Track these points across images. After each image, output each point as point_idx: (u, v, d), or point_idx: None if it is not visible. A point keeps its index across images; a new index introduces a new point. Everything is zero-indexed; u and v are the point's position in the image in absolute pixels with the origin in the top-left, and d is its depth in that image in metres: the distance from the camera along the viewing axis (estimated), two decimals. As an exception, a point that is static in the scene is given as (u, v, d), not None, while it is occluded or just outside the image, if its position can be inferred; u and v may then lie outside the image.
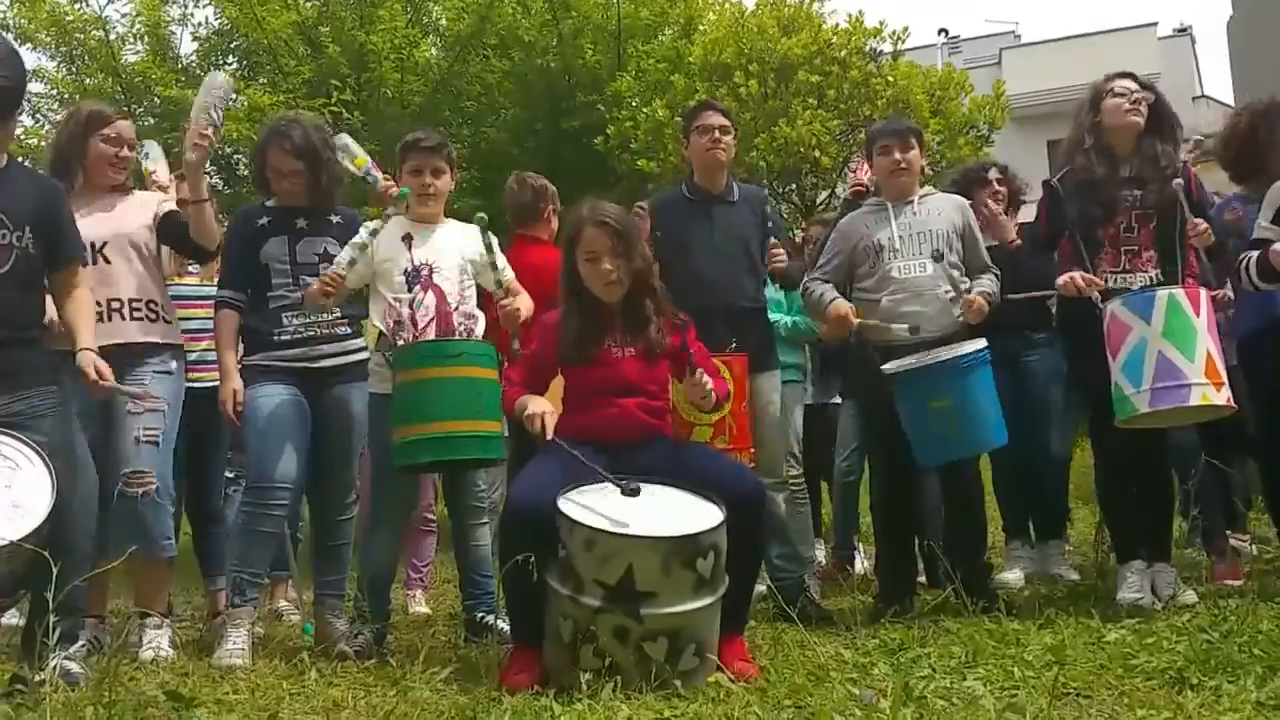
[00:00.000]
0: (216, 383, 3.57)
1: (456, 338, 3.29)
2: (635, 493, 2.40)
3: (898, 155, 3.67)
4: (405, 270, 3.32)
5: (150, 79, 7.89)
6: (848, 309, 3.54)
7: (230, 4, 8.07)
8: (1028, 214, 4.05)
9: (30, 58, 8.39)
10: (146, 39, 8.55)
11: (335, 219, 3.60)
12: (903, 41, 8.16)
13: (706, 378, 2.76)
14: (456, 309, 3.35)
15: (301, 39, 8.20)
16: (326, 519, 3.60)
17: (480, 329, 3.40)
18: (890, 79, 7.67)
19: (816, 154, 7.36)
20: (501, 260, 3.50)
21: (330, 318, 3.49)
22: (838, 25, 8.09)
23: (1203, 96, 19.44)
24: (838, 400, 4.98)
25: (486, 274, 3.48)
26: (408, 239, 3.40)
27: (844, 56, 7.70)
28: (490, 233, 3.27)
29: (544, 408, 2.66)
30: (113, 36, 8.32)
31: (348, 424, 3.48)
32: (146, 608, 3.30)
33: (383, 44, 7.60)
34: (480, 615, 3.45)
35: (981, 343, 3.38)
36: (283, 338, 3.44)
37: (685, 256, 3.62)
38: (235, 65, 8.81)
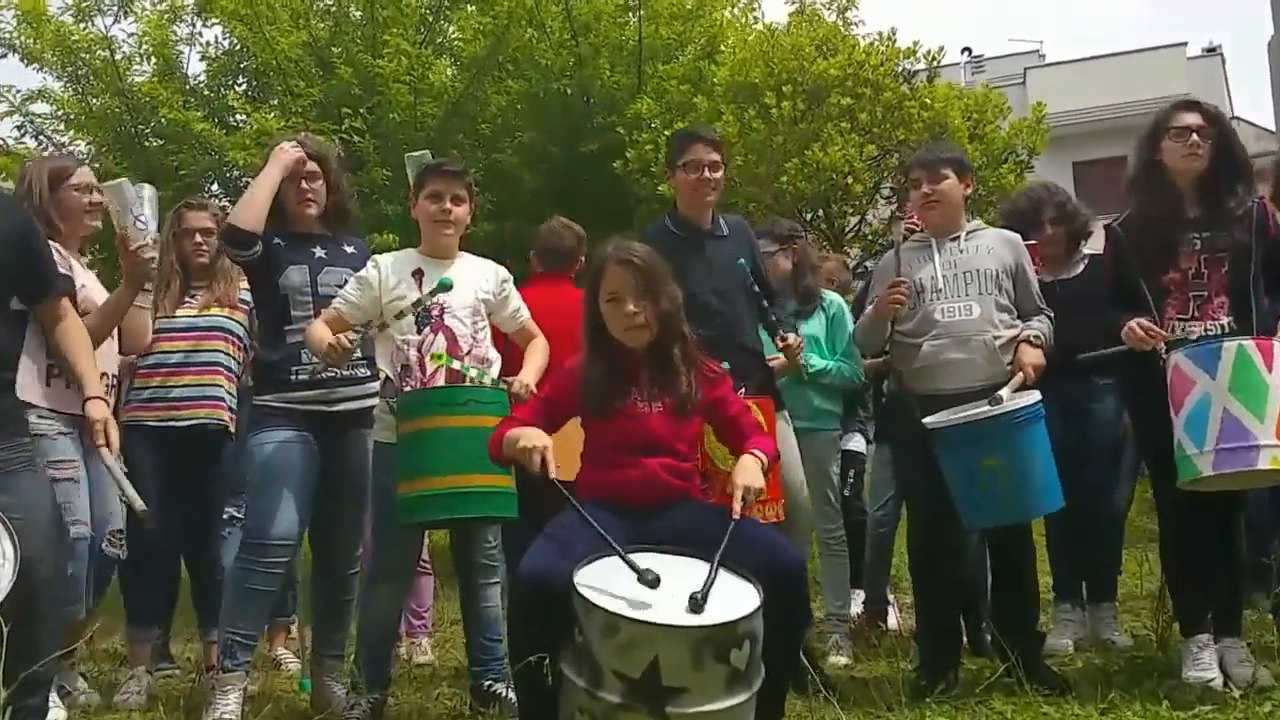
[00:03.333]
0: (201, 420, 3.65)
1: (466, 383, 3.11)
2: (654, 584, 2.18)
3: (926, 188, 3.48)
4: (415, 309, 3.14)
5: (157, 100, 7.78)
6: (897, 279, 3.36)
7: (239, 23, 7.96)
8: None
9: (35, 79, 8.32)
10: (153, 59, 8.45)
11: (349, 249, 3.48)
12: (938, 62, 7.96)
13: (761, 456, 2.57)
14: (469, 353, 3.19)
15: (313, 59, 8.09)
16: (331, 571, 3.45)
17: (495, 373, 3.23)
18: (926, 102, 7.45)
19: (849, 180, 7.15)
20: (513, 304, 3.36)
21: (353, 360, 3.32)
22: (871, 44, 7.90)
23: (1234, 118, 19.17)
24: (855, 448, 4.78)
25: (501, 314, 3.31)
26: (419, 275, 3.23)
27: (877, 79, 7.49)
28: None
29: (541, 441, 2.44)
30: (119, 56, 8.22)
31: (362, 472, 3.33)
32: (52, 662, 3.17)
33: (390, 67, 7.46)
34: (488, 684, 3.25)
35: (1035, 395, 3.17)
36: (300, 377, 3.28)
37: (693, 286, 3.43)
38: (245, 86, 8.71)
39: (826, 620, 4.08)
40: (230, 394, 3.85)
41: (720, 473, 2.92)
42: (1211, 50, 21.04)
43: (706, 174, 3.51)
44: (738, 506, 2.42)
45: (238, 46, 8.61)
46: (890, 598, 4.70)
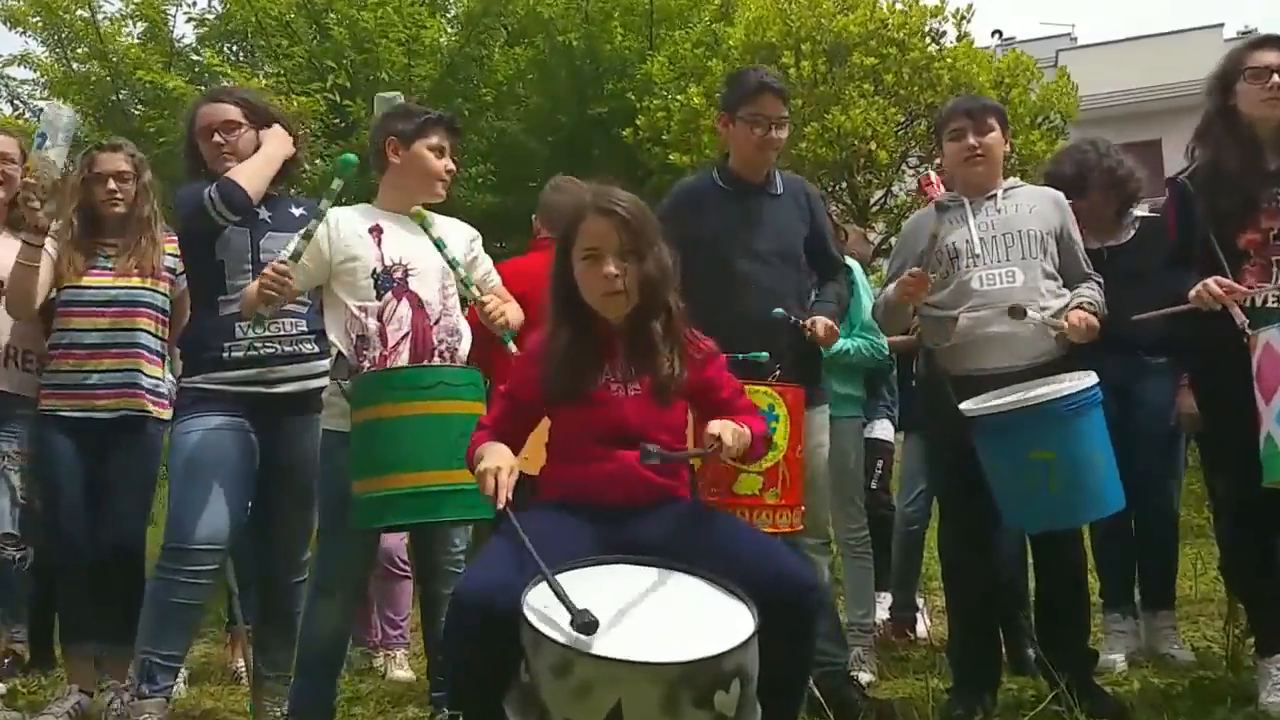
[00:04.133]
0: (125, 410, 3.27)
1: (435, 362, 2.72)
2: (590, 628, 1.71)
3: (972, 139, 3.03)
4: (374, 271, 2.73)
5: (137, 63, 7.37)
6: (917, 270, 2.90)
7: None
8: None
9: (18, 42, 7.95)
10: (139, 22, 8.05)
11: (297, 211, 3.08)
12: (967, 21, 7.41)
13: (743, 427, 2.12)
14: (437, 322, 2.78)
15: (305, 18, 7.65)
16: (274, 580, 3.10)
17: (465, 349, 2.82)
18: (951, 62, 6.92)
19: (872, 146, 6.64)
20: (483, 267, 2.99)
21: (296, 331, 2.97)
22: (894, 3, 7.36)
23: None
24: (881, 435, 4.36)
25: (472, 274, 2.92)
26: (377, 231, 2.79)
27: (902, 37, 6.96)
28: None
29: (502, 461, 2.02)
30: (101, 18, 7.82)
31: (308, 464, 2.94)
32: None
33: (375, 21, 7.00)
34: (453, 715, 2.82)
35: (1092, 378, 2.71)
36: (234, 354, 2.91)
37: (720, 262, 3.00)
38: (235, 49, 8.30)
39: (848, 630, 3.65)
40: (157, 378, 3.41)
41: (716, 467, 2.48)
42: (1248, 33, 20.43)
43: (773, 133, 3.06)
44: (717, 445, 2.03)
45: (224, 8, 8.19)
46: (920, 603, 4.26)
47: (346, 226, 2.77)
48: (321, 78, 7.02)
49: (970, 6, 7.39)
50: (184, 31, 8.26)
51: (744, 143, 3.10)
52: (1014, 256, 2.96)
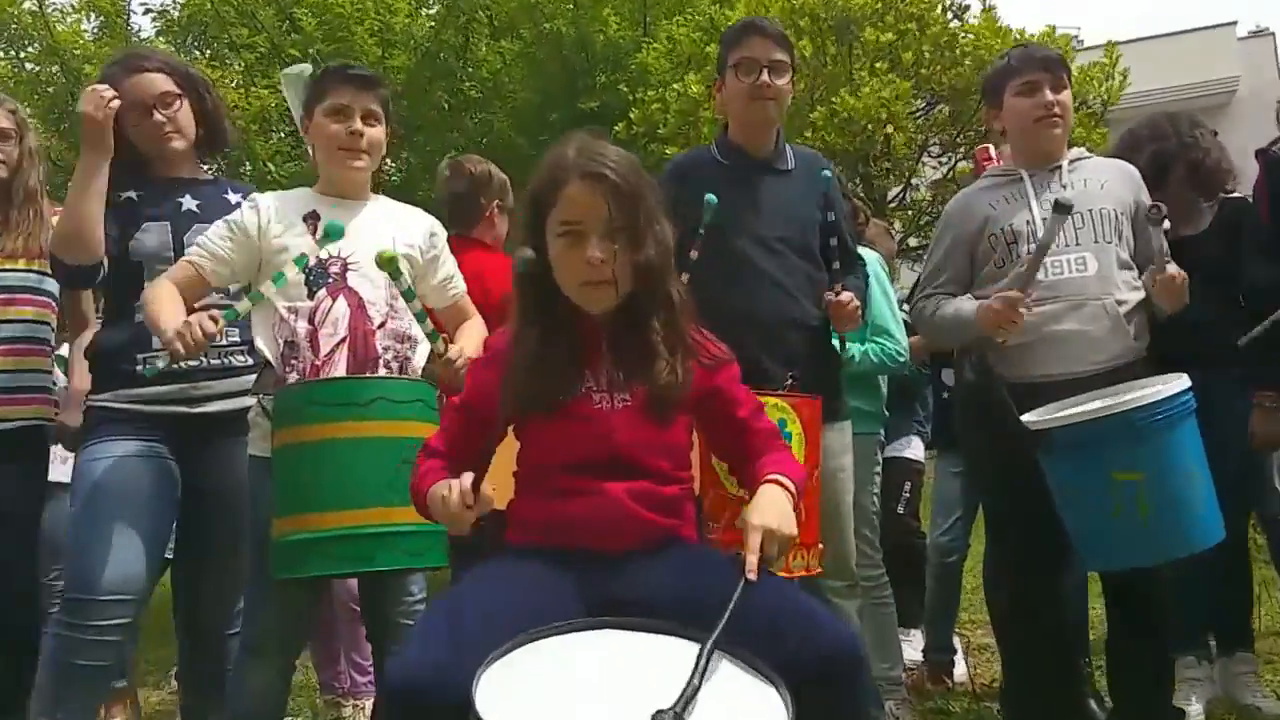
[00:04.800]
0: (28, 420, 2.77)
1: (376, 374, 2.27)
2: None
3: (1049, 94, 2.58)
4: (307, 266, 2.29)
5: (88, 58, 6.93)
6: (1015, 296, 2.41)
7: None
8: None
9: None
10: (93, 15, 7.61)
11: (233, 197, 2.67)
12: None
13: (788, 483, 1.68)
14: (382, 326, 2.33)
15: (274, 8, 7.21)
16: (200, 633, 2.66)
17: (420, 360, 2.38)
18: (976, 39, 6.44)
19: (889, 130, 6.13)
20: (445, 270, 2.57)
21: (226, 342, 2.55)
22: None
23: (1285, 100, 18.18)
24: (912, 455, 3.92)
25: (429, 279, 2.50)
26: (313, 220, 2.36)
27: (919, 12, 6.48)
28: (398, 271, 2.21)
29: (454, 491, 1.55)
30: (52, 10, 7.38)
31: (238, 496, 2.47)
32: None
33: (350, 7, 6.55)
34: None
35: (1184, 380, 2.25)
36: (150, 366, 2.42)
37: (717, 249, 2.52)
38: (197, 44, 7.86)
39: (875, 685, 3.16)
40: (53, 379, 2.94)
41: (730, 499, 2.02)
42: (1260, 32, 20.15)
43: (766, 77, 2.59)
44: (753, 560, 1.53)
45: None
46: (957, 643, 3.79)
47: (277, 212, 2.34)
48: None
49: (995, -23, 6.90)
50: (140, 24, 7.81)
51: (737, 99, 2.64)
52: (1085, 240, 2.54)
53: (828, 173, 2.72)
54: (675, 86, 6.80)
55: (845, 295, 2.55)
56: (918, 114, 6.79)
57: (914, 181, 7.26)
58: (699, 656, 1.36)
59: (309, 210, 2.36)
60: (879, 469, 3.35)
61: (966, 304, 2.58)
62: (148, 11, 7.69)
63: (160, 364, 2.22)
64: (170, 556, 2.67)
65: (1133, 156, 3.20)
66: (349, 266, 2.32)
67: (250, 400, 2.49)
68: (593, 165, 1.66)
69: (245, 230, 2.30)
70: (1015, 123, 2.69)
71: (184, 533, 2.58)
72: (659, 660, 1.42)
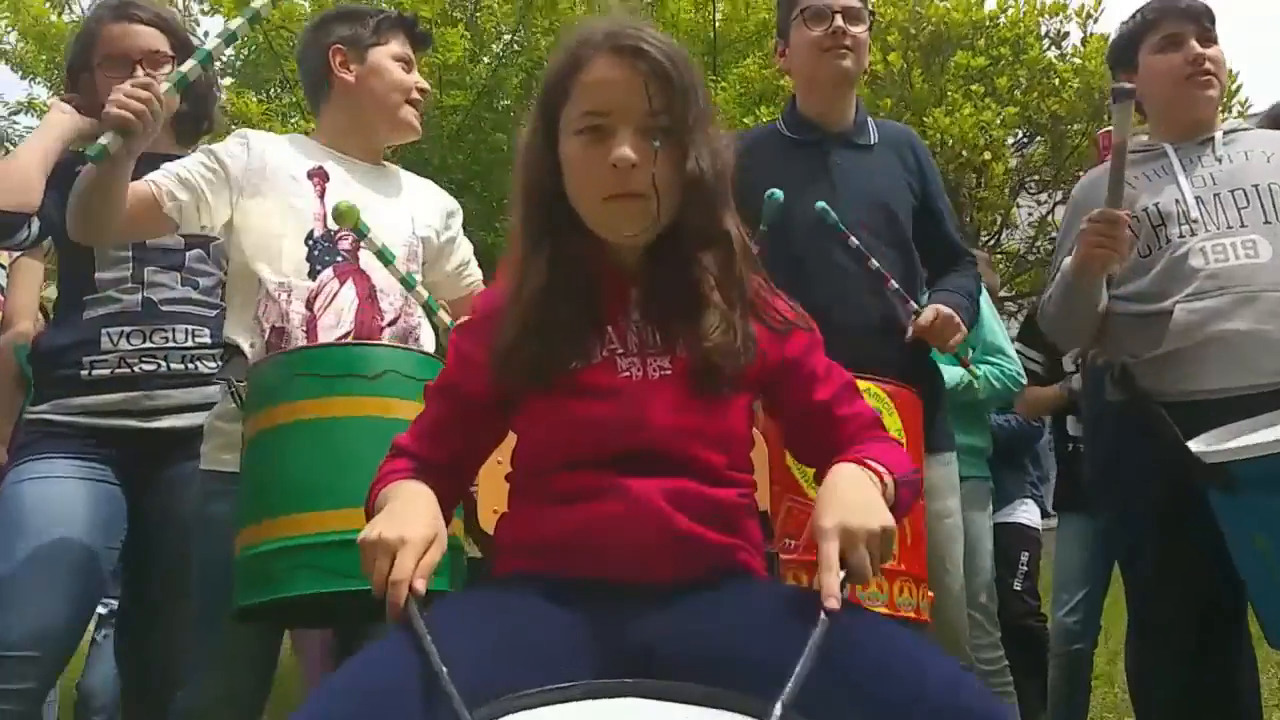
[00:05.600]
0: None
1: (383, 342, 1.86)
2: None
3: (1196, 46, 2.15)
4: (310, 235, 1.90)
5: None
6: (1112, 212, 1.95)
7: None
8: None
9: (25, 88, 7.56)
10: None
11: None
12: (1095, 21, 6.38)
13: (879, 467, 1.19)
14: (394, 323, 1.95)
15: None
16: (147, 690, 2.23)
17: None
18: (1081, 64, 5.94)
19: (986, 157, 5.61)
20: (460, 255, 2.18)
21: (192, 343, 2.16)
22: (1004, 1, 6.38)
23: None
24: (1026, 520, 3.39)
25: (443, 265, 2.11)
26: (319, 177, 1.95)
27: (1014, 36, 6.01)
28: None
29: (407, 529, 1.09)
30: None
31: (192, 528, 2.02)
32: None
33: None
34: None
35: None
36: (95, 372, 2.11)
37: (784, 238, 2.06)
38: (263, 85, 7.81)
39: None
40: None
41: (807, 503, 1.53)
42: None
43: (841, 22, 2.15)
44: (832, 582, 1.02)
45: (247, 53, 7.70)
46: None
47: (274, 156, 1.93)
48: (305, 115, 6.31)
49: (1098, 3, 6.36)
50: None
51: (806, 54, 2.20)
52: (1252, 221, 2.05)
53: (918, 146, 2.27)
54: (746, 120, 6.43)
55: (926, 313, 2.06)
56: (1017, 145, 6.27)
57: (1013, 218, 6.71)
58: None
59: (315, 165, 1.96)
60: (989, 523, 2.82)
61: (1065, 265, 2.11)
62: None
63: (105, 141, 1.69)
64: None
65: None
66: (361, 246, 1.89)
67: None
68: (627, 39, 1.20)
69: (226, 166, 1.89)
70: (1156, 86, 2.22)
71: (131, 575, 2.21)
72: None
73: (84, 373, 2.10)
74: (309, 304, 1.86)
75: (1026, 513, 3.43)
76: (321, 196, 1.93)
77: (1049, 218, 6.51)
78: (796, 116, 2.28)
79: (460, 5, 7.04)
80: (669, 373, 1.21)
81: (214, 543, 1.74)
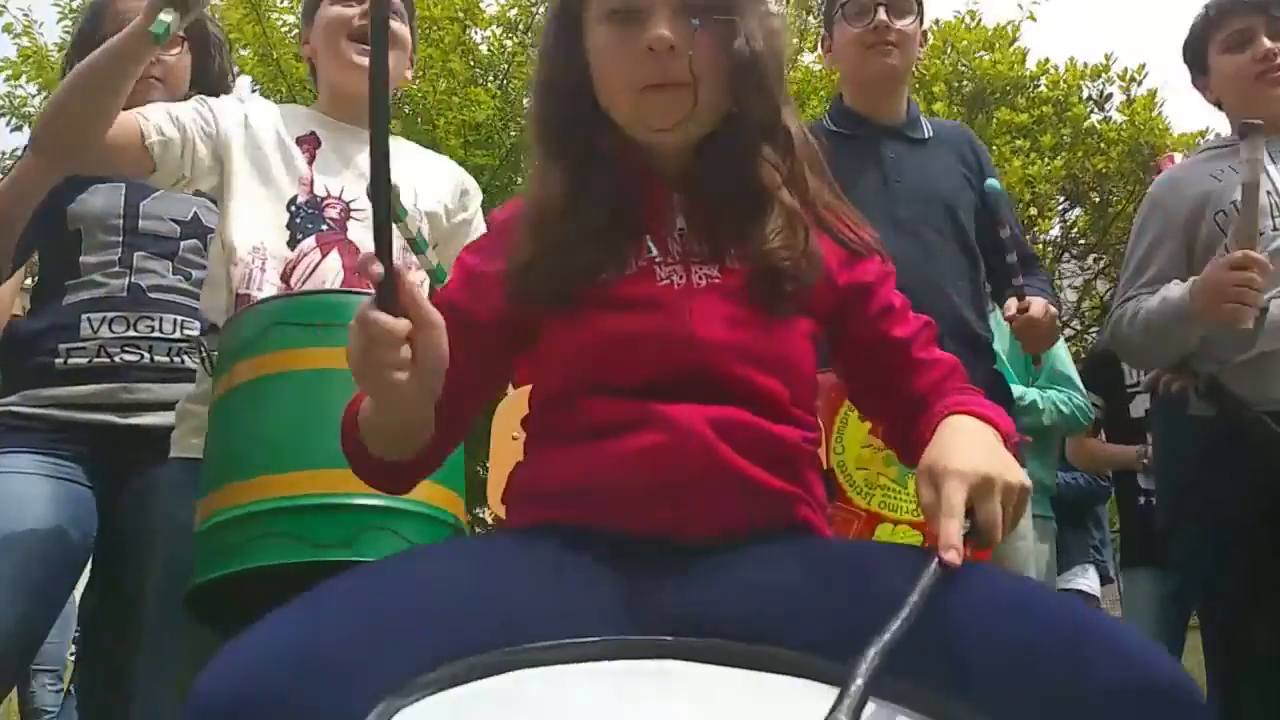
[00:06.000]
0: None
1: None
2: None
3: (1267, 42, 2.00)
4: (294, 202, 1.73)
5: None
6: (1247, 256, 1.74)
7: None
8: None
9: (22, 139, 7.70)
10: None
11: None
12: (1138, 84, 6.27)
13: (990, 416, 1.00)
14: None
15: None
16: (110, 711, 2.01)
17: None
18: (1130, 119, 5.82)
19: (1033, 212, 5.47)
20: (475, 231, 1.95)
21: (178, 334, 2.00)
22: (1046, 62, 6.31)
23: None
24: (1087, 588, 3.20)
25: (456, 246, 1.89)
26: (310, 143, 1.79)
27: (1057, 96, 5.92)
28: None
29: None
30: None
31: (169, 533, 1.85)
32: None
33: (431, 97, 6.29)
34: None
35: None
36: (72, 360, 1.95)
37: None
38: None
39: None
40: None
41: (856, 515, 1.31)
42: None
43: (884, 16, 2.01)
44: (952, 531, 0.82)
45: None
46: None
47: (265, 118, 1.78)
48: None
49: (1141, 67, 6.25)
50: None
51: (849, 51, 2.06)
52: None
53: (977, 145, 2.11)
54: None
55: (1038, 304, 1.86)
56: (1063, 205, 6.14)
57: (1061, 272, 6.54)
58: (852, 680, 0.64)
59: (308, 130, 1.80)
60: (1054, 566, 2.60)
61: (1175, 288, 1.89)
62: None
63: (167, 18, 1.54)
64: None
65: None
66: (352, 213, 1.73)
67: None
68: None
69: (218, 119, 1.73)
70: (1228, 86, 2.08)
71: (103, 587, 2.02)
72: None
73: (59, 361, 1.93)
74: (285, 276, 1.67)
75: (1087, 581, 3.20)
76: (311, 163, 1.76)
77: (1093, 282, 6.33)
78: (842, 111, 2.13)
79: (494, 67, 7.03)
80: (718, 281, 1.01)
81: (180, 541, 1.54)
